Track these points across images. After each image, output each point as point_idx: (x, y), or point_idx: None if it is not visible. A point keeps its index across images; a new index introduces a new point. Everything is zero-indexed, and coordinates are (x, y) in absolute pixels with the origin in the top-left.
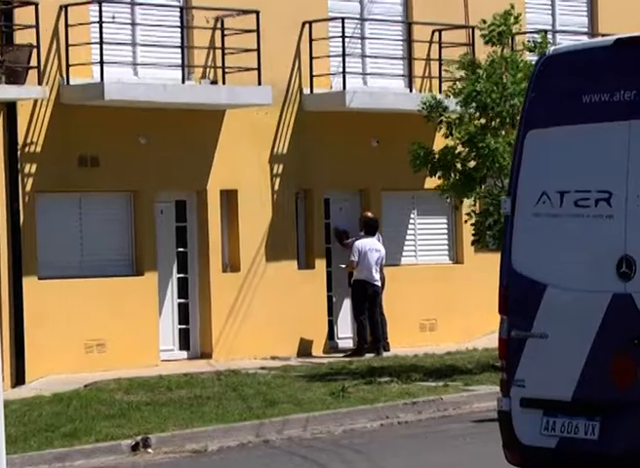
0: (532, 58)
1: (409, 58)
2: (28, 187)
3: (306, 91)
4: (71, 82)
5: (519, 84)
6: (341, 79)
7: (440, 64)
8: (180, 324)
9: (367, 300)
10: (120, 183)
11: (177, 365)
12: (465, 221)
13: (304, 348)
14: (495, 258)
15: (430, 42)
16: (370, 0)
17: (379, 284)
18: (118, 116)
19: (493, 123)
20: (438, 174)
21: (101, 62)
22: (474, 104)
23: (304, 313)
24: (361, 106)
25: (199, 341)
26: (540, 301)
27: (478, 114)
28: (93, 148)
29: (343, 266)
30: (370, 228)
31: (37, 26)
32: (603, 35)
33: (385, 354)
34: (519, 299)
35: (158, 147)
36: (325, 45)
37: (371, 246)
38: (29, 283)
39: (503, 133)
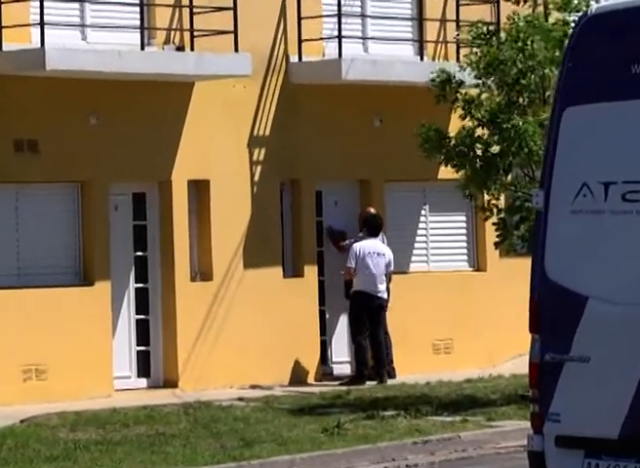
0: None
1: (419, 20)
2: None
3: (294, 59)
4: (4, 48)
5: (551, 50)
6: (337, 44)
7: (458, 26)
8: (138, 345)
9: (368, 316)
10: (65, 173)
11: (134, 395)
12: (485, 219)
13: (292, 375)
14: (524, 265)
15: None
16: None
17: (384, 296)
18: (63, 90)
19: (520, 99)
20: (454, 162)
21: (42, 24)
22: (496, 76)
23: (292, 331)
24: (361, 78)
25: (162, 367)
26: (581, 317)
27: (502, 88)
28: (32, 130)
29: (342, 273)
30: (371, 228)
31: None
32: None
33: (390, 382)
34: (554, 315)
35: (112, 128)
36: (317, 2)
37: (372, 249)
38: None
39: (535, 110)
